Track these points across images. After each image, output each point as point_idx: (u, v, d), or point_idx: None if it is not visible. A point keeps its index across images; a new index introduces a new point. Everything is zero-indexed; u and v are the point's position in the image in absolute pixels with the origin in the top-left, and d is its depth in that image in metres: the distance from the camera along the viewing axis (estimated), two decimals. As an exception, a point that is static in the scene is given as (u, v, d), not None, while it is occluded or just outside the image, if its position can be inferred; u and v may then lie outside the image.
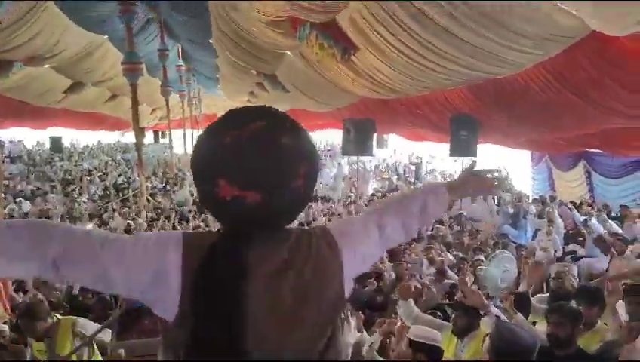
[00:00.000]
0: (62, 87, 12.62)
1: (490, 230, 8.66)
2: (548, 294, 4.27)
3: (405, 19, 4.95)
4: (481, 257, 6.35)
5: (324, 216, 9.82)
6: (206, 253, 1.02)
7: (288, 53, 8.65)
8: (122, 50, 9.16)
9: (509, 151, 12.59)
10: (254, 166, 0.99)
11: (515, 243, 7.65)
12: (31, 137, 22.27)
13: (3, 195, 10.03)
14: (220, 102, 26.46)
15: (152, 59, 12.37)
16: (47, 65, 10.80)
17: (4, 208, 8.32)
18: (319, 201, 11.89)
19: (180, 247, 1.03)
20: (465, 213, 9.70)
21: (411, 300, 3.52)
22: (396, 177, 17.21)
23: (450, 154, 9.02)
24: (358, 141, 8.86)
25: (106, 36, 10.85)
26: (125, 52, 8.16)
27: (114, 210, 8.32)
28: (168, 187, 13.67)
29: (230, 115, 1.07)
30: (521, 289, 4.08)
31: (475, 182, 1.45)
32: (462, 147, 8.43)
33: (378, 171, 19.20)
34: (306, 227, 1.24)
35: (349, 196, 12.91)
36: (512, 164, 13.15)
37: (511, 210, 9.22)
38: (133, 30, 9.02)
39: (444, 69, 5.91)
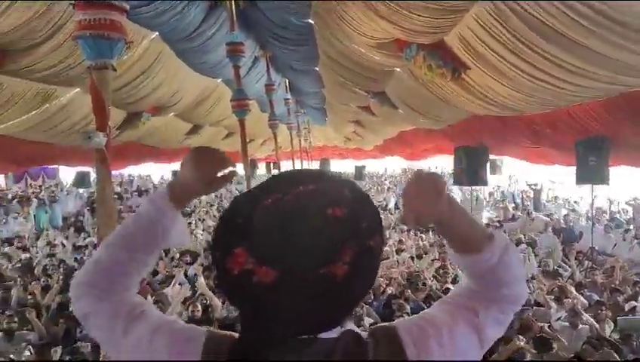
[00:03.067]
0: (183, 131, 13.73)
1: (626, 266, 7.57)
2: None
3: (525, 32, 4.46)
4: (620, 299, 5.51)
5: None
6: None
7: (397, 70, 8.45)
8: (234, 89, 9.65)
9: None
10: (278, 236, 0.75)
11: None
12: (157, 172, 24.37)
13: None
14: (329, 133, 27.03)
15: (262, 95, 12.92)
16: (171, 114, 11.80)
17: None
18: (430, 232, 11.26)
19: (199, 350, 0.86)
20: (596, 247, 8.58)
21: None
22: (513, 205, 15.90)
23: (577, 182, 8.08)
24: (471, 170, 8.33)
25: (219, 79, 11.57)
26: (234, 90, 8.55)
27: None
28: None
29: (282, 175, 0.87)
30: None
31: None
32: (590, 173, 7.52)
33: (492, 199, 17.96)
34: (357, 330, 0.88)
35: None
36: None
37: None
38: (244, 69, 9.45)
39: (572, 85, 5.25)
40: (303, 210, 0.78)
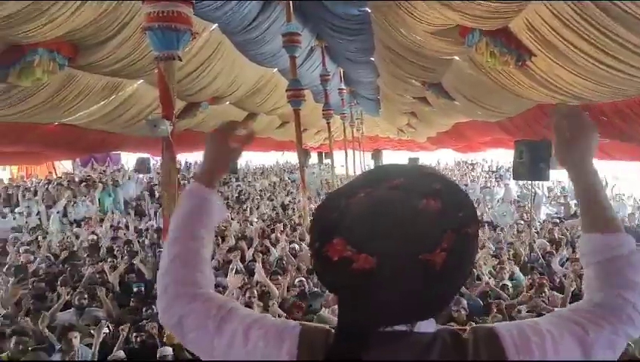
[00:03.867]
0: (238, 119, 13.97)
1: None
2: None
3: (600, 17, 4.22)
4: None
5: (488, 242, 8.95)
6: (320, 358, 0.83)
7: (456, 58, 8.23)
8: (289, 79, 9.75)
9: None
10: (377, 225, 0.77)
11: None
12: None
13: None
14: (381, 124, 26.80)
15: (316, 85, 12.97)
16: (227, 103, 12.07)
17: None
18: (486, 227, 10.95)
19: (295, 346, 0.86)
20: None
21: None
22: (574, 202, 15.17)
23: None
24: (532, 165, 7.97)
25: (275, 69, 11.70)
26: (290, 80, 8.61)
27: (281, 232, 8.64)
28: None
29: (371, 171, 0.91)
30: None
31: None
32: None
33: (552, 194, 17.19)
34: (459, 328, 0.88)
35: (519, 223, 11.67)
36: None
37: None
38: (299, 59, 9.52)
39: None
40: (399, 200, 0.79)
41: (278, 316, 4.97)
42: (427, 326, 0.83)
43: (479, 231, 0.82)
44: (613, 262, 0.89)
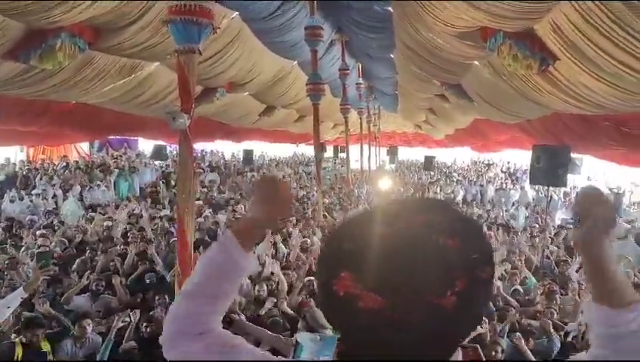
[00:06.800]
0: (257, 111, 13.99)
1: None
2: None
3: (630, 19, 4.10)
4: None
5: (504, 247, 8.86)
6: None
7: (476, 62, 8.12)
8: (309, 73, 9.68)
9: None
10: (389, 265, 0.73)
11: None
12: (229, 148, 25.08)
13: (202, 203, 11.29)
14: (398, 119, 26.65)
15: (335, 79, 12.90)
16: (246, 93, 12.05)
17: (201, 215, 9.28)
18: (499, 230, 10.82)
19: None
20: None
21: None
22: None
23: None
24: (549, 170, 7.87)
25: (295, 62, 11.63)
26: (310, 74, 8.56)
27: (294, 226, 8.63)
28: (344, 203, 13.92)
29: (392, 204, 0.85)
30: None
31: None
32: None
33: (568, 200, 16.95)
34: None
35: (534, 226, 11.52)
36: None
37: None
38: (319, 53, 9.45)
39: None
40: (415, 239, 0.75)
41: (285, 314, 4.99)
42: None
43: (493, 271, 0.79)
44: (622, 336, 0.90)
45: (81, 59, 7.43)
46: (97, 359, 3.99)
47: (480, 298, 0.77)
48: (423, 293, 0.72)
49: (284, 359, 1.03)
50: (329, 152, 25.42)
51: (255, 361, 0.94)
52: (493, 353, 4.51)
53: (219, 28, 4.26)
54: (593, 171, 18.28)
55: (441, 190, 17.74)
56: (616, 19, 4.32)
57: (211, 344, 0.97)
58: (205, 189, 14.07)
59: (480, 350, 0.97)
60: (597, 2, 4.36)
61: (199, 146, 23.68)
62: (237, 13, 8.46)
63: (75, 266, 6.14)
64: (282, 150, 29.00)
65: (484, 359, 0.98)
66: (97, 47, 7.38)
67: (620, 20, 4.30)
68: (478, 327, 4.55)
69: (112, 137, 18.88)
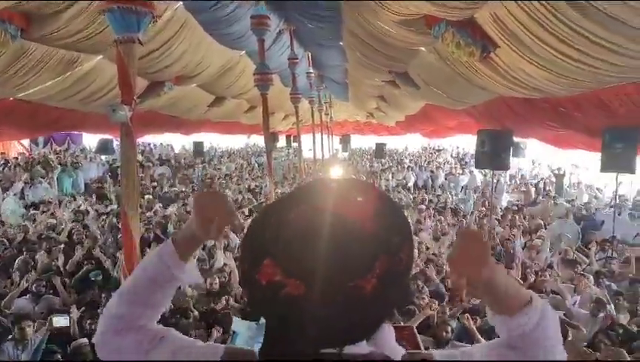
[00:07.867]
0: (205, 102, 13.69)
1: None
2: None
3: (566, 10, 4.30)
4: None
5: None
6: None
7: (422, 49, 8.27)
8: (256, 63, 9.54)
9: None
10: (309, 249, 0.73)
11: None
12: (178, 141, 24.50)
13: (152, 197, 11.02)
14: (350, 108, 26.80)
15: (284, 69, 12.80)
16: (193, 85, 11.75)
17: (151, 209, 9.07)
18: (449, 214, 11.16)
19: None
20: (618, 236, 8.42)
21: None
22: (534, 189, 15.67)
23: (602, 170, 7.96)
24: (493, 154, 8.21)
25: (243, 52, 11.43)
26: (257, 64, 8.45)
27: (245, 217, 8.56)
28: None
29: (310, 185, 0.84)
30: None
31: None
32: (617, 162, 7.44)
33: (514, 183, 17.68)
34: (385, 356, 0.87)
35: (481, 210, 11.97)
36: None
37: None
38: (268, 43, 9.33)
39: (609, 65, 5.07)
40: (333, 223, 0.75)
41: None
42: (358, 347, 0.80)
43: (414, 249, 0.81)
44: (523, 336, 0.93)
45: (15, 50, 7.01)
46: (30, 359, 3.88)
47: (399, 279, 0.78)
48: (343, 277, 0.73)
49: (214, 344, 1.04)
50: (282, 142, 25.32)
51: (184, 346, 0.95)
52: (444, 333, 4.66)
53: (159, 17, 4.13)
54: (537, 154, 19.15)
55: (393, 177, 18.09)
56: (552, 8, 4.52)
57: (142, 339, 0.97)
58: (155, 183, 13.73)
59: (415, 330, 1.00)
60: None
61: (148, 140, 23.03)
62: (181, 2, 8.21)
63: (15, 266, 5.87)
64: (234, 141, 28.64)
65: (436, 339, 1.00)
66: (31, 36, 6.97)
67: (554, 9, 4.49)
68: (428, 309, 4.71)
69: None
